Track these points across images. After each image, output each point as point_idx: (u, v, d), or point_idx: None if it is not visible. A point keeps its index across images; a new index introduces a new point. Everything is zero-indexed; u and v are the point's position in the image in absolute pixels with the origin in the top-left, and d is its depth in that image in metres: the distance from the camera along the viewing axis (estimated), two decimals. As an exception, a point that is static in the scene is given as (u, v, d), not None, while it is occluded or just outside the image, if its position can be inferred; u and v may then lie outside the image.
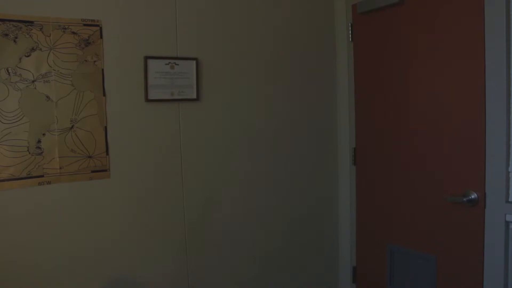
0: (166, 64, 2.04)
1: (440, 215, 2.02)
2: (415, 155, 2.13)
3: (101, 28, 1.90)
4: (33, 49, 1.77)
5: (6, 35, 1.72)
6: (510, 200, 1.77)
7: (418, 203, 2.14)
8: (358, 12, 2.37)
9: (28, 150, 1.79)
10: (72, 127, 1.87)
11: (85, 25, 1.87)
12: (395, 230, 2.26)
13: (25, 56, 1.76)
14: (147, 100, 2.01)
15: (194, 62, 2.11)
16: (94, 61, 1.90)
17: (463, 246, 1.93)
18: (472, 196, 1.86)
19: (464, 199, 1.88)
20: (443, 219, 2.01)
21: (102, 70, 1.92)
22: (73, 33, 1.85)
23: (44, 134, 1.81)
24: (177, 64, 2.07)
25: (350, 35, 2.45)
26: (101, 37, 1.91)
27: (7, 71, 1.73)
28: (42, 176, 1.82)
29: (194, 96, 2.12)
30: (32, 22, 1.76)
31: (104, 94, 1.93)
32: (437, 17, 1.99)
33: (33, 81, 1.78)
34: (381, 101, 2.30)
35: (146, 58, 1.99)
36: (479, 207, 1.85)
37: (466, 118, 1.90)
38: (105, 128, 1.94)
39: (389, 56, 2.23)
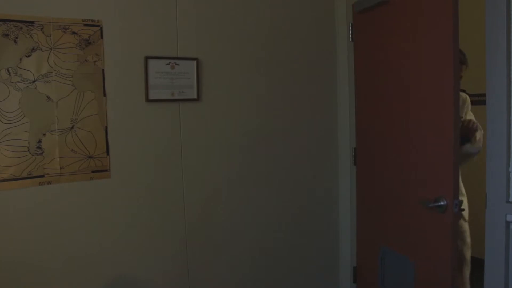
0: (166, 64, 2.04)
1: (417, 219, 2.00)
2: (408, 156, 2.10)
3: (101, 28, 1.90)
4: (33, 49, 1.77)
5: (7, 35, 1.72)
6: (510, 200, 1.77)
7: (400, 206, 2.11)
8: (355, 11, 2.36)
9: (28, 150, 1.79)
10: (73, 127, 1.87)
11: (85, 25, 1.87)
12: (387, 232, 2.25)
13: (26, 56, 1.76)
14: (148, 100, 2.01)
15: (195, 62, 2.11)
16: (95, 61, 1.90)
17: (437, 252, 1.90)
18: (442, 203, 1.83)
19: (433, 205, 1.85)
20: (419, 223, 1.99)
21: (103, 70, 1.92)
22: (74, 33, 1.85)
23: (44, 134, 1.81)
24: (178, 64, 2.07)
25: (350, 35, 2.45)
26: (102, 37, 1.91)
27: (8, 71, 1.73)
28: (43, 176, 1.82)
29: (195, 96, 2.12)
30: (32, 22, 1.76)
31: (104, 94, 1.93)
32: (419, 16, 1.93)
33: (33, 81, 1.78)
34: (379, 101, 2.29)
35: (147, 58, 1.99)
36: (447, 214, 1.81)
37: (440, 121, 1.84)
38: (106, 128, 1.94)
39: (382, 55, 2.21)
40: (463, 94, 2.33)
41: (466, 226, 2.39)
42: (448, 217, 1.82)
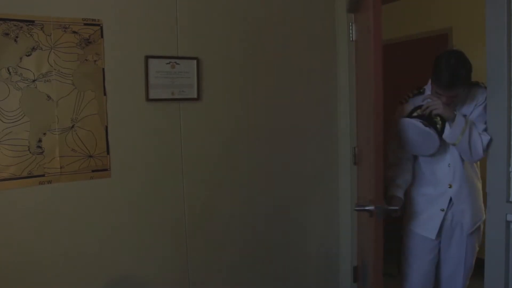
0: (167, 63, 2.04)
1: (369, 224, 2.01)
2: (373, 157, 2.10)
3: (101, 27, 1.90)
4: (33, 49, 1.77)
5: (7, 34, 1.72)
6: (510, 200, 1.78)
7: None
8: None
9: (29, 150, 1.79)
10: (73, 126, 1.87)
11: (85, 24, 1.87)
12: (364, 234, 2.26)
13: (26, 55, 1.76)
14: (148, 99, 2.01)
15: (195, 61, 2.10)
16: (95, 61, 1.90)
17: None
18: (367, 208, 1.86)
19: (359, 208, 1.89)
20: (368, 227, 2.01)
21: (103, 69, 1.92)
22: (74, 32, 1.84)
23: (45, 134, 1.81)
24: (178, 64, 2.07)
25: (351, 35, 2.45)
26: (102, 36, 1.91)
27: (8, 70, 1.73)
28: (43, 175, 1.82)
29: (195, 96, 2.12)
30: (33, 21, 1.76)
31: (104, 94, 1.93)
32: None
33: (34, 81, 1.78)
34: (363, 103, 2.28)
35: (147, 57, 1.99)
36: (373, 219, 1.84)
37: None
38: (106, 127, 1.94)
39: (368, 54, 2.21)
40: (477, 90, 2.04)
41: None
42: (372, 221, 1.85)
